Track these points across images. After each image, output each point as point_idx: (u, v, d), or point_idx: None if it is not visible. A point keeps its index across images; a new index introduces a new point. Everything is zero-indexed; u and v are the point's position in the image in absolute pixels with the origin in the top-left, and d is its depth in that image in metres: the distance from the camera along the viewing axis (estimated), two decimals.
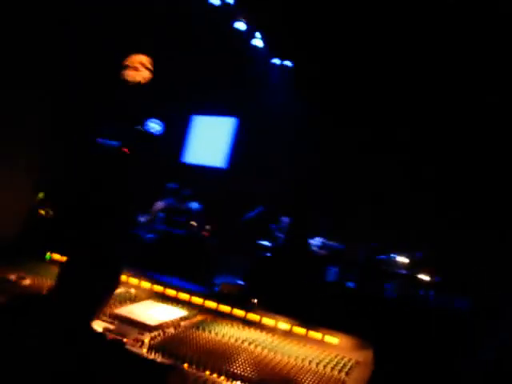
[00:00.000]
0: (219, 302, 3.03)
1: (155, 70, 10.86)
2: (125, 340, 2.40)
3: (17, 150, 3.75)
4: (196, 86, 10.15)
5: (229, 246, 7.15)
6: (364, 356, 2.60)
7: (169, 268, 5.56)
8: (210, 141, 11.26)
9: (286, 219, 8.22)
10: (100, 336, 1.87)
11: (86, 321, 1.88)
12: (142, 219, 8.16)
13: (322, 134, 9.23)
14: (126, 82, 11.09)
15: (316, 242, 8.03)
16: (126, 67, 11.56)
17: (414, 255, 7.38)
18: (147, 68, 11.69)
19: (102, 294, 1.95)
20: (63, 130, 4.95)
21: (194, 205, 8.10)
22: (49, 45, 3.94)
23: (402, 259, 7.32)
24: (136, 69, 11.92)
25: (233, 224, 8.53)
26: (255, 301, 2.94)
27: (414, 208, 8.09)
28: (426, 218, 7.95)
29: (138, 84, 11.34)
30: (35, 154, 3.89)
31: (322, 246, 7.83)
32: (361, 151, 8.76)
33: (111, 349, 1.81)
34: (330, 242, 8.00)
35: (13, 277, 3.01)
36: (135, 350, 2.27)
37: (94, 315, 1.93)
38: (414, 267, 7.11)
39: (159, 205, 7.96)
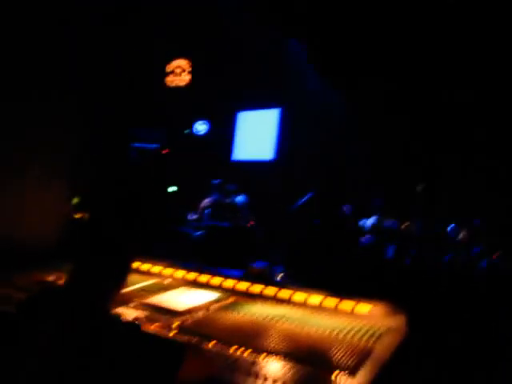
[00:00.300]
0: (250, 283, 3.03)
1: (196, 73, 11.03)
2: (153, 326, 2.44)
3: (53, 156, 3.86)
4: (238, 83, 10.22)
5: (277, 234, 7.15)
6: (395, 323, 2.54)
7: (216, 260, 5.65)
8: (256, 135, 11.28)
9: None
10: (115, 319, 1.90)
11: (101, 306, 1.92)
12: (191, 217, 8.30)
13: (369, 118, 9.15)
14: (167, 87, 11.29)
15: (371, 221, 7.98)
16: (167, 73, 11.77)
17: (472, 225, 7.24)
18: (187, 72, 11.88)
19: (113, 280, 1.99)
20: (99, 135, 5.08)
21: (240, 198, 8.15)
22: (85, 51, 4.03)
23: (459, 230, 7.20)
24: (176, 74, 12.12)
25: (283, 213, 8.53)
26: (281, 275, 2.93)
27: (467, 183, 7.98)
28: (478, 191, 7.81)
29: (180, 88, 11.53)
30: (70, 160, 3.99)
31: (376, 225, 7.77)
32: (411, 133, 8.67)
33: (127, 331, 1.84)
34: (386, 221, 7.94)
35: (51, 278, 3.11)
36: (158, 333, 2.31)
37: (110, 300, 1.97)
38: (471, 237, 6.97)
39: (206, 202, 8.06)
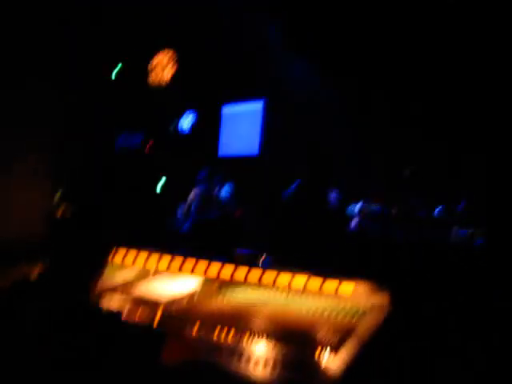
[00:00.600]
0: (234, 268, 3.03)
1: (179, 68, 10.97)
2: (136, 316, 2.44)
3: (35, 153, 3.83)
4: (221, 76, 10.19)
5: (264, 223, 7.16)
6: (379, 301, 2.55)
7: (203, 250, 5.64)
8: (242, 127, 11.25)
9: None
10: (95, 309, 1.89)
11: (78, 296, 1.91)
12: (180, 211, 8.29)
13: (354, 103, 9.18)
14: (150, 83, 11.24)
15: (358, 206, 8.03)
16: (149, 70, 11.70)
17: (456, 207, 7.32)
18: (170, 67, 11.81)
19: (90, 269, 1.97)
20: (79, 132, 5.04)
21: (226, 188, 8.15)
22: (61, 45, 3.99)
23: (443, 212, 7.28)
24: (158, 70, 12.06)
25: (271, 201, 8.56)
26: (264, 258, 2.93)
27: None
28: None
29: (163, 84, 11.48)
30: (50, 155, 3.97)
31: (363, 210, 7.82)
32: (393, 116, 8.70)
33: (107, 322, 1.83)
34: (372, 205, 7.99)
35: (34, 273, 3.08)
36: (142, 322, 2.30)
37: (87, 288, 1.96)
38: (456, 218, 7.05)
39: (192, 193, 8.04)
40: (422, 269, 3.89)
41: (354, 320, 2.34)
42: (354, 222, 7.51)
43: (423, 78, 8.21)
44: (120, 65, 9.50)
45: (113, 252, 2.80)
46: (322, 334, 2.16)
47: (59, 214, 3.98)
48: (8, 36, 3.49)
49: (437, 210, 7.37)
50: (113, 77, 9.36)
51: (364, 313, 2.43)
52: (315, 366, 1.95)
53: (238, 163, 10.32)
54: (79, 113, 5.22)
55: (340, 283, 2.72)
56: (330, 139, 9.46)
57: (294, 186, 8.38)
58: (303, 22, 8.10)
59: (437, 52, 7.80)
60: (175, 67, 11.19)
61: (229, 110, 11.32)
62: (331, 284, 2.74)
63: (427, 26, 7.40)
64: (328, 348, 2.03)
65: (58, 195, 3.97)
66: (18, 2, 3.61)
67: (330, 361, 1.96)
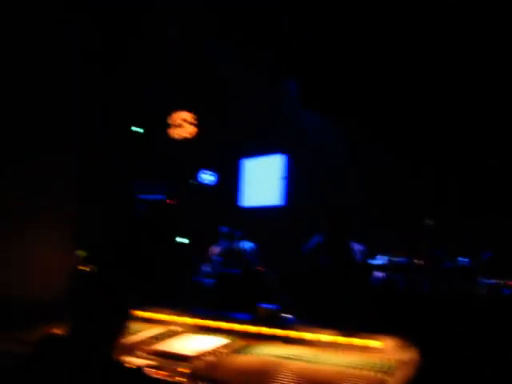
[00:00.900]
0: (260, 325, 3.00)
1: (199, 123, 11.20)
2: (162, 373, 2.41)
3: (57, 209, 3.88)
4: (241, 131, 10.37)
5: (287, 278, 7.11)
6: (408, 356, 2.49)
7: (227, 306, 5.60)
8: (262, 181, 11.34)
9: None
10: (118, 365, 1.88)
11: (103, 352, 1.91)
12: (204, 267, 8.29)
13: (372, 155, 9.24)
14: (172, 139, 11.44)
15: (380, 260, 7.98)
16: (170, 125, 11.95)
17: (481, 257, 7.21)
18: (190, 123, 12.07)
19: (113, 326, 1.98)
20: (101, 188, 5.12)
21: (247, 244, 8.16)
22: (86, 102, 4.10)
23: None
24: (179, 125, 12.30)
25: (293, 256, 8.52)
26: (288, 316, 2.90)
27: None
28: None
29: (185, 139, 11.68)
30: (74, 212, 4.02)
31: (387, 263, 7.76)
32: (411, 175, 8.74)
33: (132, 378, 1.82)
34: (395, 258, 7.94)
35: (56, 331, 3.09)
36: (168, 379, 2.28)
37: (111, 345, 1.95)
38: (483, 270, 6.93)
39: (215, 249, 8.05)
40: (451, 321, 3.80)
41: (384, 376, 2.29)
42: (379, 276, 7.42)
43: (446, 130, 8.24)
44: (141, 129, 9.72)
45: (137, 309, 2.80)
46: None
47: (82, 271, 4.01)
48: (38, 93, 3.61)
49: (462, 260, 7.26)
50: (135, 130, 9.57)
51: (393, 368, 2.37)
52: None
53: (260, 216, 10.36)
54: (102, 168, 5.33)
55: (367, 338, 2.68)
56: (351, 193, 9.47)
57: (316, 240, 8.35)
58: (321, 80, 8.25)
59: (455, 113, 7.86)
60: (196, 122, 11.42)
61: (250, 164, 11.45)
62: (359, 339, 2.70)
63: (445, 86, 7.48)
64: None
65: (80, 254, 4.01)
66: (37, 61, 3.73)
67: None
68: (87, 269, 4.15)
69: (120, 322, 2.00)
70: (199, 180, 11.59)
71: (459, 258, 7.29)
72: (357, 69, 7.49)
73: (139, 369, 1.95)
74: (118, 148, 6.61)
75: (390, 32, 6.71)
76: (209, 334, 3.04)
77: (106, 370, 1.81)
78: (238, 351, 2.72)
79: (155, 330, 3.12)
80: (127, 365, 1.91)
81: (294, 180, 10.57)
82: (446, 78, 7.36)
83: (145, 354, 2.67)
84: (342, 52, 7.20)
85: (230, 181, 11.38)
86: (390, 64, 7.48)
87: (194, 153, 11.10)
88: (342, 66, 7.48)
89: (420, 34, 6.64)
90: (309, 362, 2.51)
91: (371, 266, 7.32)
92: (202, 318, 3.22)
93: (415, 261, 7.52)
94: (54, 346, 1.92)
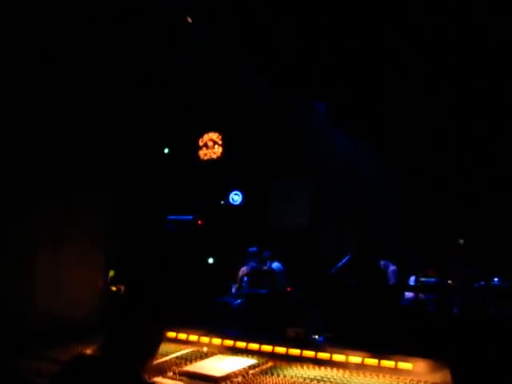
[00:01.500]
0: (288, 346, 2.98)
1: (228, 144, 11.31)
2: None
3: (88, 230, 3.93)
4: (269, 151, 10.41)
5: (315, 299, 7.06)
6: (440, 378, 2.45)
7: (256, 327, 5.59)
8: (290, 202, 11.32)
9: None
10: None
11: (135, 373, 1.92)
12: (233, 289, 8.30)
13: (400, 174, 9.20)
14: (200, 160, 11.56)
15: (411, 280, 7.90)
16: (199, 146, 12.08)
17: None
18: (219, 144, 12.19)
19: (147, 346, 1.99)
20: (130, 208, 5.18)
21: (276, 264, 8.15)
22: (119, 123, 4.18)
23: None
24: (209, 147, 12.43)
25: (321, 276, 8.47)
26: (317, 337, 2.87)
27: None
28: None
29: (213, 161, 11.79)
30: (106, 232, 4.07)
31: (418, 284, 7.67)
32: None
33: None
34: (425, 279, 7.84)
35: (89, 351, 3.11)
36: None
37: (143, 367, 1.97)
38: None
39: (243, 270, 8.06)
40: (483, 342, 3.72)
41: None
42: (410, 296, 7.33)
43: (479, 149, 8.14)
44: (167, 149, 9.82)
45: (167, 330, 2.81)
46: None
47: (112, 292, 4.04)
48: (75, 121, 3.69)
49: (495, 279, 7.11)
50: (165, 151, 9.67)
51: None
52: None
53: (288, 236, 10.34)
54: (133, 189, 5.39)
55: (398, 360, 2.64)
56: (379, 212, 9.41)
57: (344, 260, 8.29)
58: (347, 101, 8.25)
59: (485, 127, 7.76)
60: (223, 144, 11.52)
61: (278, 184, 11.45)
62: (389, 361, 2.66)
63: (473, 98, 7.40)
64: None
65: (111, 274, 4.05)
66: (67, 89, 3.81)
67: None
68: (116, 288, 4.19)
69: (155, 344, 2.01)
70: (229, 201, 11.65)
71: (494, 278, 7.15)
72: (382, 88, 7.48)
73: None
74: (149, 168, 6.67)
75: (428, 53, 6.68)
76: (237, 354, 3.03)
77: None
78: (266, 372, 2.71)
79: (184, 351, 3.12)
80: None
81: (321, 201, 10.53)
82: (476, 95, 7.29)
83: (174, 375, 2.67)
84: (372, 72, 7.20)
85: (259, 201, 11.40)
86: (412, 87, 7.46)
87: (223, 173, 11.18)
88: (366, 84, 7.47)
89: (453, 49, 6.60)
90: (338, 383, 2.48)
91: (402, 287, 7.24)
92: (231, 339, 3.21)
93: (446, 281, 7.40)
94: (84, 366, 1.93)
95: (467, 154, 8.24)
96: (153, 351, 2.04)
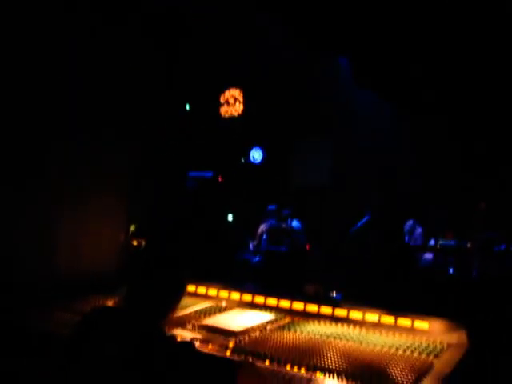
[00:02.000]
0: (306, 303, 3.02)
1: (249, 102, 11.21)
2: (209, 346, 2.47)
3: (113, 183, 3.97)
4: (291, 110, 10.32)
5: (334, 257, 7.10)
6: (456, 338, 2.47)
7: (274, 284, 5.66)
8: (311, 161, 11.27)
9: (410, 222, 8.31)
10: (169, 339, 1.92)
11: (156, 325, 1.96)
12: (251, 245, 8.38)
13: (424, 135, 9.07)
14: (221, 117, 11.51)
15: (431, 242, 7.91)
16: (220, 103, 12.01)
17: None
18: (240, 101, 12.09)
19: (168, 299, 2.03)
20: (153, 164, 5.20)
21: (295, 222, 8.18)
22: (140, 83, 4.17)
23: None
24: (230, 104, 12.36)
25: (340, 236, 8.50)
26: (335, 294, 2.90)
27: None
28: None
29: (234, 118, 11.74)
30: (128, 186, 4.11)
31: (438, 246, 7.67)
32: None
33: (180, 351, 1.86)
34: (445, 241, 7.84)
35: (110, 303, 3.19)
36: (215, 353, 2.33)
37: (164, 319, 2.01)
38: None
39: (262, 227, 8.11)
40: (501, 305, 3.73)
41: (431, 358, 2.27)
42: (429, 258, 7.34)
43: (499, 106, 7.98)
44: (188, 105, 9.78)
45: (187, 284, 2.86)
46: (397, 372, 2.11)
47: (133, 246, 4.11)
48: (94, 83, 3.68)
49: None
50: (187, 107, 9.65)
51: (440, 351, 2.36)
52: None
53: (309, 196, 10.34)
54: (154, 145, 5.40)
55: (415, 319, 2.66)
56: (402, 174, 9.35)
57: (363, 221, 8.30)
58: (371, 58, 8.08)
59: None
60: (244, 101, 11.43)
61: (300, 143, 11.38)
62: (406, 320, 2.68)
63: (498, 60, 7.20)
64: None
65: (132, 228, 4.11)
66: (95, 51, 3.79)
67: None
68: (137, 242, 4.27)
69: (174, 296, 2.05)
70: (249, 158, 11.65)
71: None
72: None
73: (190, 343, 1.99)
74: (170, 125, 6.68)
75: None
76: (255, 309, 3.08)
77: (158, 343, 1.85)
78: (283, 328, 2.75)
79: (203, 305, 3.18)
80: (178, 338, 1.95)
81: (344, 162, 10.47)
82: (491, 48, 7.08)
83: (193, 328, 2.73)
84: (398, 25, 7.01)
85: (280, 160, 11.37)
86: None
87: (244, 131, 11.14)
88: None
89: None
90: (354, 341, 2.51)
91: (421, 248, 7.23)
92: (249, 294, 3.26)
93: (466, 244, 7.38)
94: (105, 317, 1.98)
95: (492, 116, 8.09)
96: (173, 304, 2.08)
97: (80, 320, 2.01)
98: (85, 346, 1.90)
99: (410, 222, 8.52)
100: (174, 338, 1.95)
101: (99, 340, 1.87)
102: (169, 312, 2.04)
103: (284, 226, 7.99)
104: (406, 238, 8.43)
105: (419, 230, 8.35)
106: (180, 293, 2.10)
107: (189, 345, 1.93)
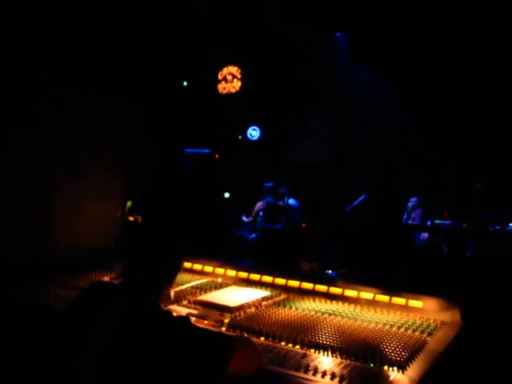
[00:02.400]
0: (301, 280, 3.04)
1: (246, 79, 11.16)
2: (205, 322, 2.49)
3: (109, 159, 3.96)
4: (289, 87, 10.27)
5: (330, 235, 7.14)
6: (450, 316, 2.49)
7: (270, 261, 5.69)
8: (309, 140, 11.25)
9: (413, 199, 8.32)
10: (165, 314, 1.93)
11: (152, 300, 1.98)
12: (246, 220, 8.40)
13: (422, 114, 9.05)
14: (219, 93, 11.46)
15: (427, 221, 7.96)
16: (218, 80, 11.95)
17: None
18: (238, 78, 12.04)
19: (163, 275, 2.04)
20: (152, 140, 5.18)
21: (292, 200, 8.20)
22: (140, 57, 4.14)
23: None
24: (228, 80, 12.30)
25: (337, 214, 8.53)
26: (330, 272, 2.92)
27: None
28: None
29: (232, 95, 11.69)
30: (125, 163, 4.10)
31: (433, 225, 7.72)
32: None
33: (176, 325, 1.87)
34: (440, 221, 7.89)
35: (106, 278, 3.21)
36: (210, 328, 2.35)
37: (160, 294, 2.02)
38: None
39: (259, 205, 8.13)
40: (495, 284, 3.76)
41: (424, 336, 2.30)
42: (424, 237, 7.38)
43: (497, 88, 7.97)
44: (186, 82, 9.73)
45: (183, 261, 2.86)
46: (390, 349, 2.13)
47: (130, 221, 4.11)
48: (87, 50, 3.64)
49: (510, 224, 7.11)
50: (184, 84, 9.59)
51: (434, 328, 2.38)
52: (383, 382, 1.92)
53: (307, 173, 10.34)
54: (151, 121, 5.37)
55: (409, 298, 2.68)
56: (399, 152, 9.35)
57: (360, 199, 8.32)
58: (369, 35, 8.02)
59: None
60: (242, 78, 11.36)
61: (298, 121, 11.35)
62: (400, 298, 2.70)
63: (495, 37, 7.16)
64: (397, 364, 2.00)
65: (128, 204, 4.10)
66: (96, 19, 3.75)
67: (399, 378, 1.93)
68: (133, 218, 4.27)
69: (171, 273, 2.06)
70: (247, 136, 11.62)
71: (510, 224, 7.14)
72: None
73: (186, 318, 2.00)
74: (167, 102, 6.63)
75: None
76: (251, 286, 3.10)
77: (155, 318, 1.86)
78: (278, 304, 2.77)
79: (199, 281, 3.20)
80: (174, 313, 1.97)
81: (341, 139, 10.45)
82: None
83: (189, 304, 2.75)
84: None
85: (278, 137, 11.35)
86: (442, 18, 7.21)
87: (241, 108, 11.09)
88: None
89: None
90: (349, 318, 2.53)
91: (417, 227, 7.26)
92: (245, 271, 3.28)
93: (461, 224, 7.42)
94: (102, 292, 1.99)
95: (489, 99, 8.07)
96: (169, 280, 2.09)
97: (77, 296, 2.02)
98: (81, 320, 1.91)
99: (414, 199, 8.52)
100: (169, 312, 1.96)
101: (95, 315, 1.88)
102: (164, 288, 2.05)
103: (280, 203, 8.01)
104: (405, 215, 8.46)
105: (419, 211, 8.37)
106: (175, 270, 2.11)
107: (185, 319, 1.94)
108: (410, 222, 8.29)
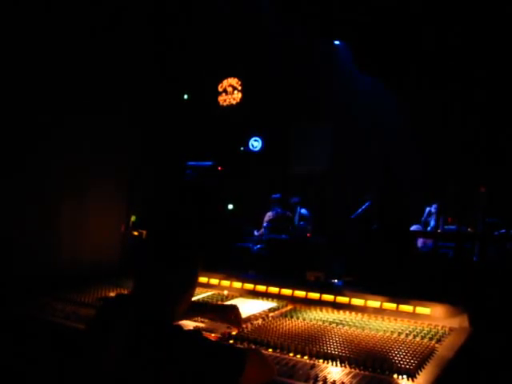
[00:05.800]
0: (308, 290, 3.03)
1: (247, 90, 11.19)
2: (213, 335, 2.48)
3: (112, 173, 3.97)
4: (290, 97, 10.30)
5: (335, 244, 7.12)
6: (458, 323, 2.48)
7: (276, 272, 5.68)
8: (311, 149, 11.26)
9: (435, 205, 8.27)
10: (176, 329, 1.91)
11: (165, 315, 1.94)
12: (257, 234, 8.40)
13: (423, 120, 9.07)
14: (220, 106, 11.50)
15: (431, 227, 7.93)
16: (219, 92, 11.99)
17: None
18: (238, 90, 12.08)
19: (180, 293, 2.00)
20: (153, 155, 5.19)
21: (304, 211, 8.20)
22: (140, 69, 4.15)
23: None
24: (228, 92, 12.34)
25: (342, 222, 8.51)
26: (336, 281, 2.91)
27: None
28: None
29: (232, 107, 11.72)
30: (128, 177, 4.10)
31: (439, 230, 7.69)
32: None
33: (190, 338, 1.85)
34: (446, 226, 7.85)
35: (112, 294, 3.20)
36: (219, 340, 2.34)
37: (173, 309, 1.98)
38: None
39: (268, 216, 8.14)
40: (503, 288, 3.75)
41: (433, 343, 2.28)
42: (429, 243, 7.35)
43: (501, 94, 7.97)
44: (186, 95, 9.77)
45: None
46: (399, 357, 2.11)
47: (134, 236, 4.11)
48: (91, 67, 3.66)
49: None
50: (185, 97, 9.62)
51: (442, 335, 2.37)
52: None
53: (310, 182, 10.35)
54: (154, 135, 5.39)
55: (416, 305, 2.67)
56: (402, 159, 9.34)
57: (364, 207, 8.31)
58: (372, 44, 8.05)
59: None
60: (242, 89, 11.40)
61: (300, 131, 11.37)
62: (407, 306, 2.69)
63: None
64: (406, 373, 1.98)
65: (132, 219, 4.11)
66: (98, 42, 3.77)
67: None
68: (137, 233, 4.27)
69: (183, 285, 2.02)
70: (249, 147, 11.64)
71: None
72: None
73: (198, 331, 1.98)
74: (169, 115, 6.66)
75: None
76: (257, 298, 3.09)
77: (166, 332, 1.84)
78: (285, 315, 2.76)
79: (205, 294, 3.19)
80: (183, 328, 1.95)
81: (343, 147, 10.46)
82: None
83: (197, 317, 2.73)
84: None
85: (280, 147, 11.37)
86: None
87: (242, 119, 11.12)
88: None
89: None
90: (356, 327, 2.52)
91: (422, 234, 7.24)
92: (251, 283, 3.27)
93: (467, 228, 7.40)
94: (115, 309, 1.96)
95: (492, 102, 8.07)
96: (183, 295, 2.03)
97: (99, 311, 2.00)
98: (94, 336, 1.90)
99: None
100: (180, 327, 1.94)
101: (107, 331, 1.87)
102: (180, 302, 2.01)
103: (289, 214, 8.02)
104: (422, 219, 8.41)
105: (434, 218, 8.30)
106: (190, 282, 2.05)
107: (197, 333, 1.93)
108: (422, 227, 8.25)
